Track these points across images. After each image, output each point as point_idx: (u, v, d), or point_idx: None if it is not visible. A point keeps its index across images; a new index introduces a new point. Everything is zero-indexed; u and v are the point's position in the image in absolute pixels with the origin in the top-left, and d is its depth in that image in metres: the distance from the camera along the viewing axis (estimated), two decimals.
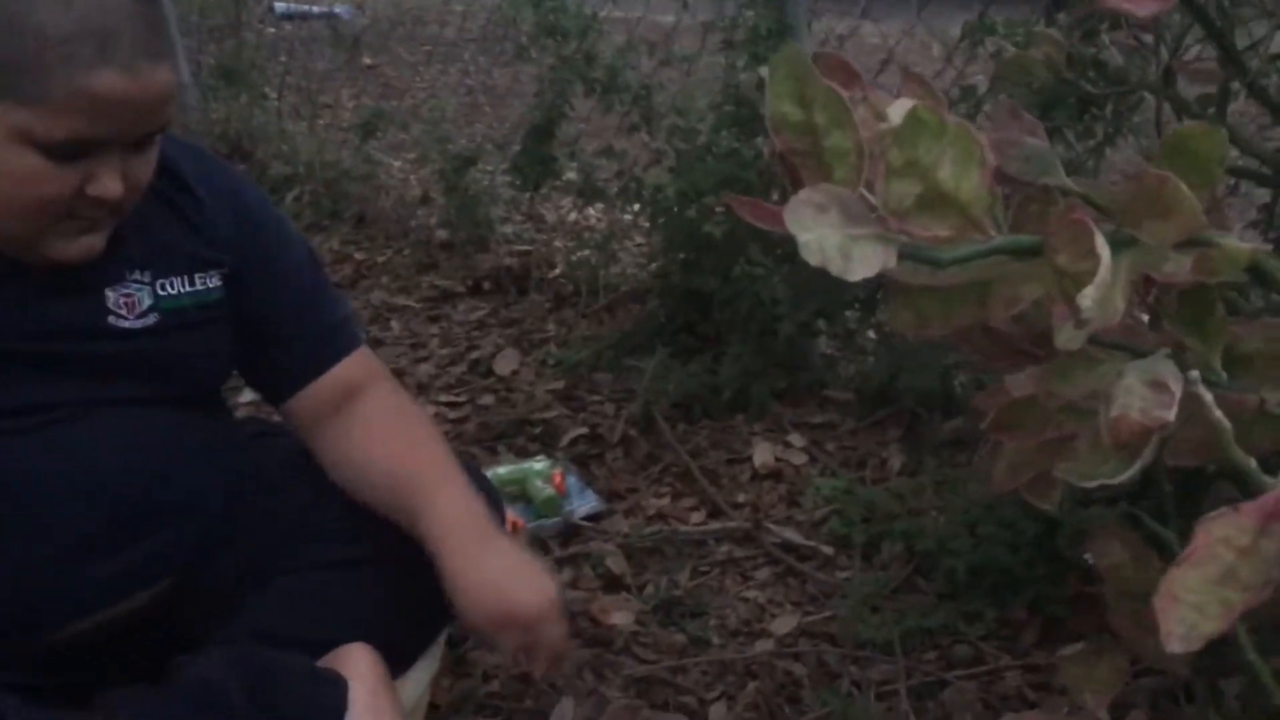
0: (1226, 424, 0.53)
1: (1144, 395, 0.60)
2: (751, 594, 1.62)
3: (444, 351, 2.38)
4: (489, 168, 2.76)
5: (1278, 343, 0.67)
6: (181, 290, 1.10)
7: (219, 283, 1.13)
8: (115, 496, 1.05)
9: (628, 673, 1.46)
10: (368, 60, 3.98)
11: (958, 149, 0.55)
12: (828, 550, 1.68)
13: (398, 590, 1.16)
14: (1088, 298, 0.51)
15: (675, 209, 2.05)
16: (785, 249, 1.98)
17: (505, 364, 2.27)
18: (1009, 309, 0.60)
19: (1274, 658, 0.76)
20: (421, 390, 2.21)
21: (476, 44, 3.55)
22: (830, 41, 2.22)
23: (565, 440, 1.99)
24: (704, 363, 2.07)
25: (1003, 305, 0.60)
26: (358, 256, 2.89)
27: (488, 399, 2.16)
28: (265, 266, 1.17)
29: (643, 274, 2.44)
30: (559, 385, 2.16)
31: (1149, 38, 1.25)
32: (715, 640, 1.53)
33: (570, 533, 1.76)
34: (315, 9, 4.44)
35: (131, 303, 1.07)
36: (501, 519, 1.26)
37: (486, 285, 2.63)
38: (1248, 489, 0.59)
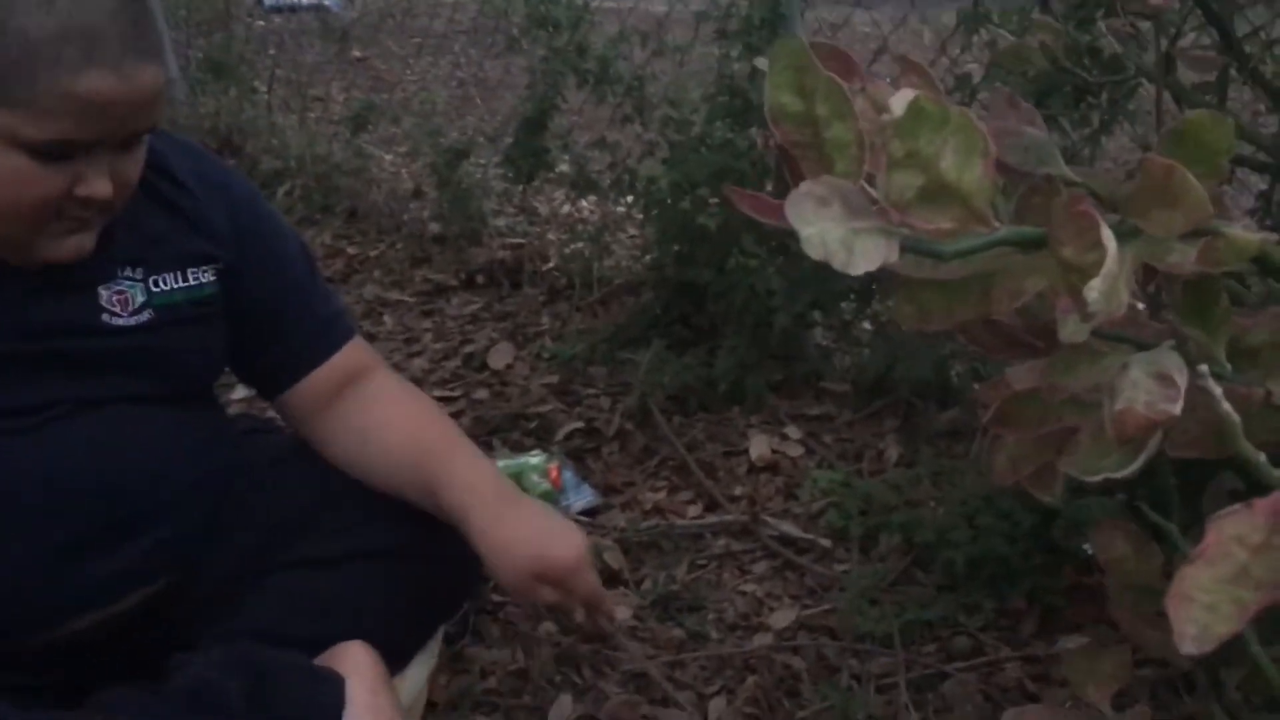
0: (1235, 418, 0.52)
1: (1149, 388, 0.59)
2: (749, 588, 1.61)
3: (437, 346, 2.37)
4: (481, 160, 2.75)
5: None
6: (175, 286, 1.09)
7: (212, 278, 1.12)
8: (112, 494, 1.05)
9: (626, 668, 1.45)
10: (357, 53, 3.95)
11: (960, 139, 0.54)
12: (825, 543, 1.68)
13: (395, 587, 1.15)
14: (1094, 290, 0.50)
15: (669, 201, 2.04)
16: (780, 240, 1.97)
17: (499, 358, 2.26)
18: (1012, 302, 0.59)
19: (1276, 648, 0.75)
20: (415, 385, 2.19)
21: (467, 36, 3.53)
22: (823, 30, 2.21)
23: (561, 434, 1.98)
24: (699, 355, 2.06)
25: (1006, 298, 0.59)
26: (350, 251, 2.88)
27: (482, 393, 2.15)
28: (259, 260, 1.16)
29: (637, 266, 2.43)
30: (554, 379, 2.15)
31: (1145, 25, 1.24)
32: (714, 635, 1.52)
33: None
34: (304, 1, 4.41)
35: (125, 300, 1.06)
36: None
37: (480, 279, 2.62)
38: (1253, 482, 0.58)
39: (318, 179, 3.10)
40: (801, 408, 2.02)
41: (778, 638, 1.51)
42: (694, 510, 1.79)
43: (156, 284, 1.08)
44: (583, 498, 1.79)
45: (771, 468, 1.87)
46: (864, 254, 0.51)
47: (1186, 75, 1.11)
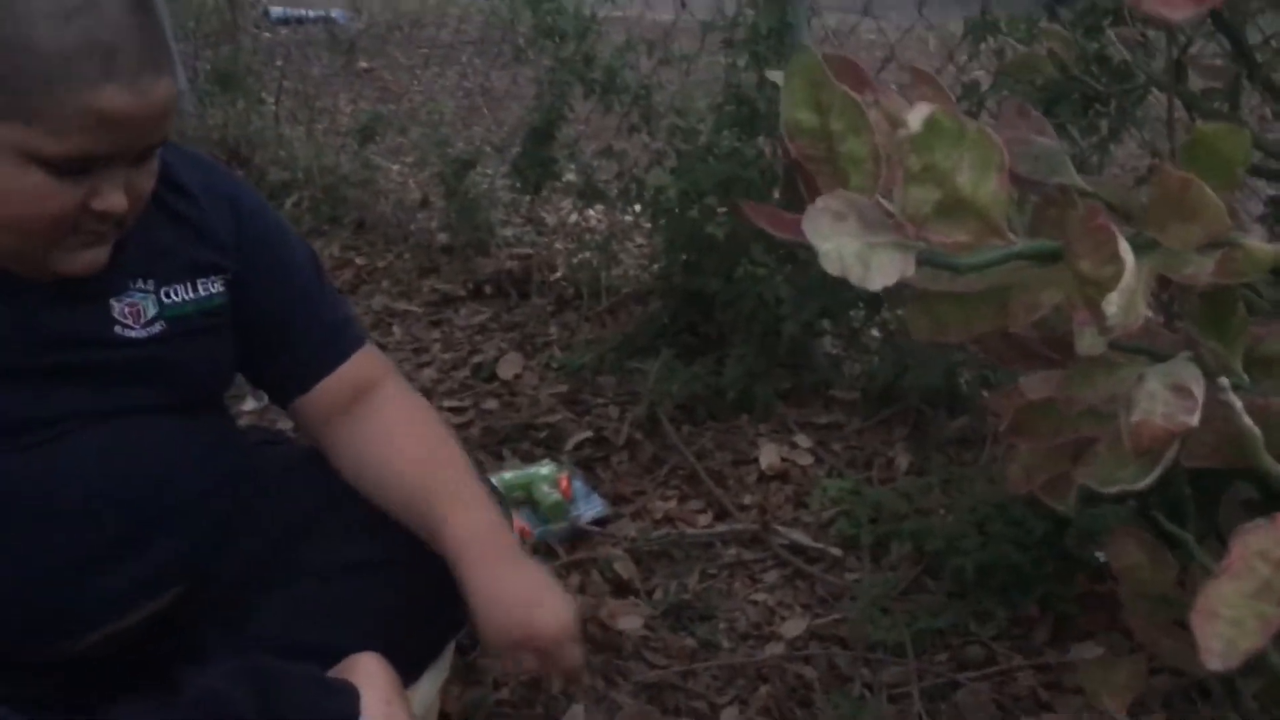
0: (1256, 431, 0.52)
1: (1166, 400, 0.59)
2: (760, 597, 1.61)
3: (446, 356, 2.37)
4: (488, 170, 2.76)
5: None
6: (185, 297, 1.10)
7: (221, 288, 1.12)
8: (126, 506, 1.05)
9: (638, 678, 1.45)
10: (364, 64, 3.97)
11: (976, 154, 0.54)
12: (836, 552, 1.68)
13: (407, 597, 1.15)
14: (1112, 304, 0.50)
15: (677, 210, 2.04)
16: (788, 249, 1.98)
17: (508, 368, 2.27)
18: (1029, 315, 0.59)
19: None
20: (425, 395, 2.19)
21: (474, 46, 3.54)
22: (829, 39, 2.21)
23: (570, 444, 1.98)
24: (708, 364, 2.06)
25: (1023, 311, 0.59)
26: (358, 261, 2.89)
27: (491, 404, 2.15)
28: (268, 269, 1.16)
29: (645, 275, 2.43)
30: (563, 389, 2.16)
31: (1154, 32, 1.24)
32: (725, 644, 1.52)
33: (577, 537, 1.75)
34: (311, 13, 4.43)
35: (137, 312, 1.07)
36: (509, 527, 1.26)
37: (488, 289, 2.62)
38: (1271, 494, 0.58)
39: (325, 190, 3.11)
40: (811, 416, 2.02)
41: (789, 647, 1.51)
42: (704, 519, 1.79)
43: (168, 295, 1.09)
44: (593, 507, 1.79)
45: (781, 476, 1.87)
46: (881, 269, 0.52)
47: (1195, 82, 1.11)
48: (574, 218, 2.73)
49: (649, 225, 2.28)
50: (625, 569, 1.66)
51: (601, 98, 2.21)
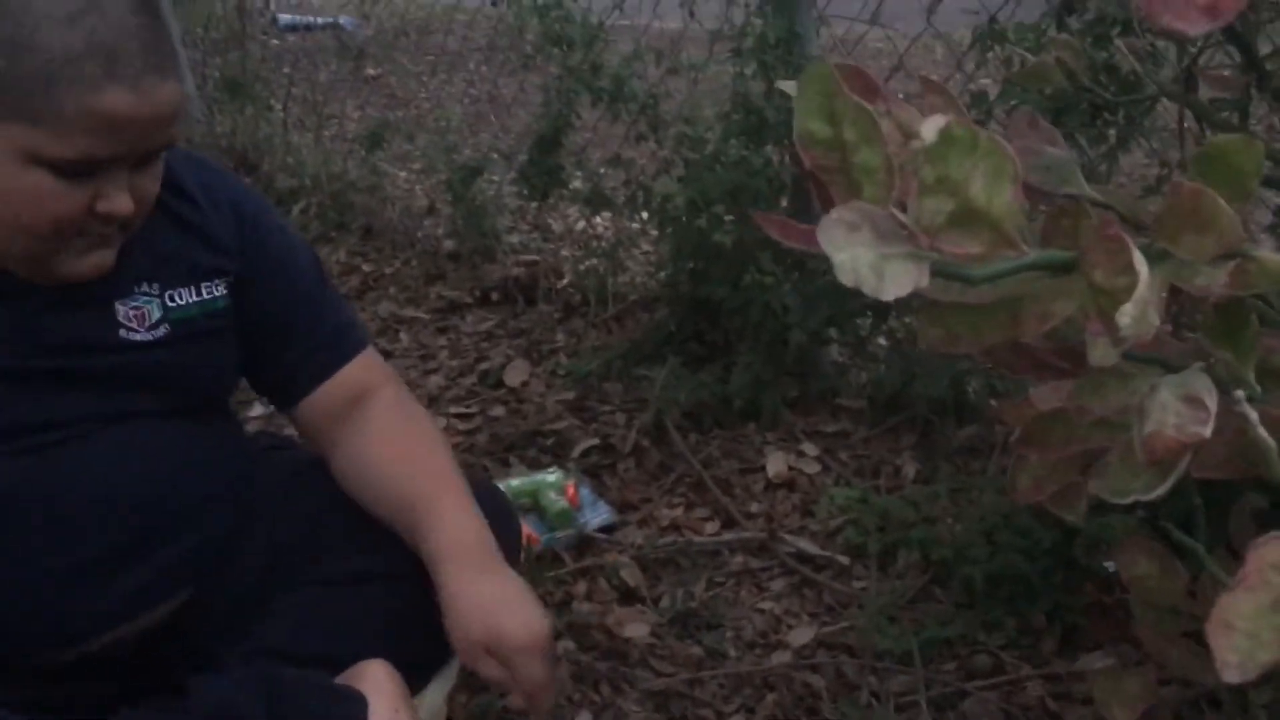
0: (1271, 443, 0.52)
1: (1178, 411, 0.59)
2: (767, 605, 1.61)
3: (453, 363, 2.37)
4: (495, 177, 2.76)
5: None
6: (190, 300, 1.10)
7: (224, 291, 1.13)
8: (133, 510, 1.05)
9: (644, 686, 1.45)
10: (372, 71, 3.98)
11: (989, 164, 0.54)
12: (843, 560, 1.68)
13: (415, 605, 1.15)
14: (1126, 315, 0.50)
15: (684, 218, 2.04)
16: (795, 257, 1.98)
17: (515, 375, 2.27)
18: (1041, 325, 0.59)
19: None
20: (432, 402, 2.21)
21: (481, 53, 3.55)
22: (837, 48, 2.22)
23: (577, 451, 1.98)
24: (714, 372, 2.06)
25: (1035, 322, 0.59)
26: (365, 268, 2.89)
27: (498, 410, 2.15)
28: (270, 272, 1.17)
29: (651, 283, 2.43)
30: (569, 396, 2.16)
31: (1163, 43, 1.24)
32: (732, 652, 1.52)
33: (584, 545, 1.75)
34: (319, 20, 4.44)
35: (142, 315, 1.07)
36: (518, 535, 1.26)
37: (494, 296, 2.62)
38: None
39: (333, 196, 3.11)
40: (818, 424, 2.02)
41: (796, 655, 1.50)
42: (711, 527, 1.79)
43: (172, 299, 1.09)
44: (599, 515, 1.79)
45: (788, 485, 1.87)
46: (894, 279, 0.52)
47: (1203, 93, 1.10)
48: (581, 225, 2.74)
49: (656, 233, 2.28)
50: (632, 576, 1.66)
51: (609, 106, 2.22)
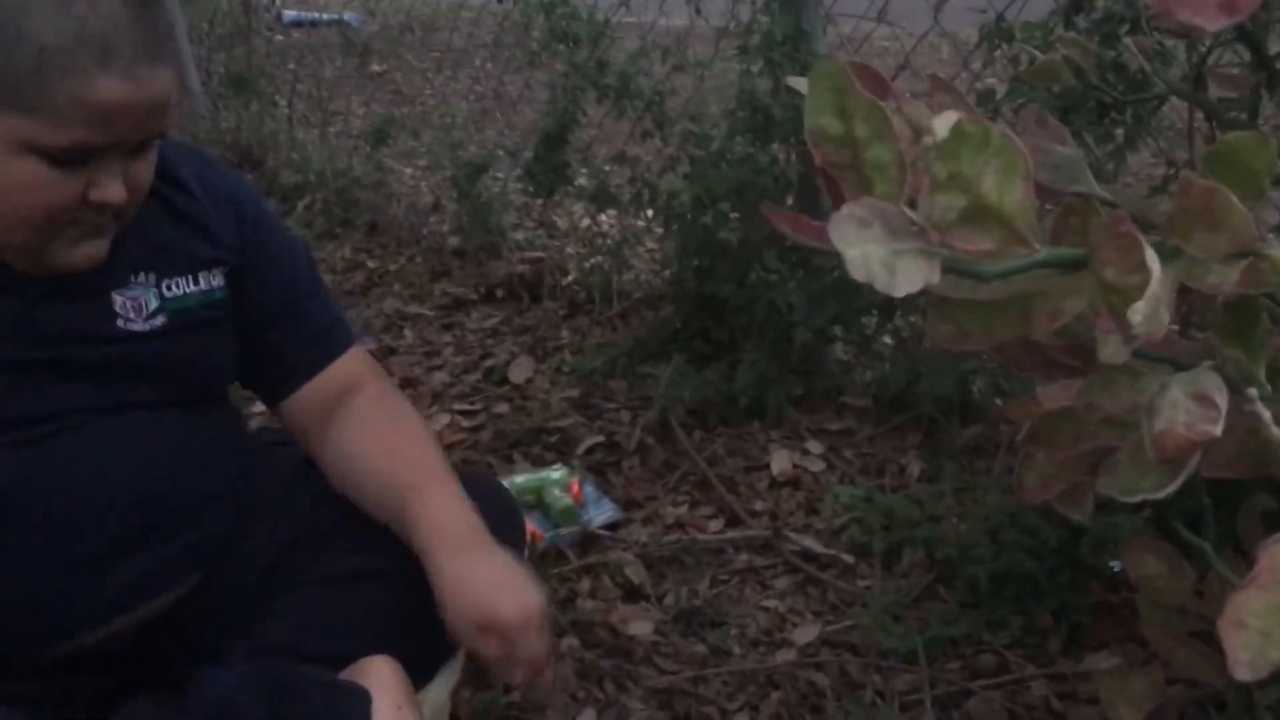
0: None
1: (1188, 409, 0.59)
2: (772, 603, 1.61)
3: (458, 360, 2.37)
4: (500, 174, 2.76)
5: None
6: (187, 290, 1.10)
7: (222, 281, 1.13)
8: (131, 502, 1.05)
9: (648, 683, 1.45)
10: (377, 67, 3.97)
11: (1001, 161, 0.54)
12: (848, 558, 1.67)
13: (418, 601, 1.15)
14: (1138, 312, 0.50)
15: (689, 215, 2.04)
16: (800, 255, 1.98)
17: (520, 372, 2.27)
18: (1052, 323, 0.59)
19: None
20: (436, 399, 2.21)
21: (487, 50, 3.55)
22: (844, 45, 2.21)
23: (581, 448, 1.98)
24: (719, 370, 2.06)
25: (1045, 319, 0.59)
26: (370, 264, 2.89)
27: (503, 407, 2.15)
28: (264, 265, 1.17)
29: (656, 280, 2.43)
30: (574, 393, 2.16)
31: (1171, 41, 1.24)
32: (736, 650, 1.52)
33: (588, 542, 1.75)
34: (324, 16, 4.44)
35: (139, 305, 1.07)
36: (522, 532, 1.25)
37: (499, 293, 2.62)
38: None
39: (338, 193, 3.11)
40: (822, 423, 2.02)
41: (801, 654, 1.50)
42: (715, 525, 1.79)
43: (169, 288, 1.09)
44: (604, 512, 1.79)
45: (793, 483, 1.87)
46: (906, 275, 0.51)
47: (1212, 91, 1.10)
48: (586, 222, 2.73)
49: (661, 230, 2.28)
50: (636, 574, 1.66)
51: (615, 103, 2.21)
